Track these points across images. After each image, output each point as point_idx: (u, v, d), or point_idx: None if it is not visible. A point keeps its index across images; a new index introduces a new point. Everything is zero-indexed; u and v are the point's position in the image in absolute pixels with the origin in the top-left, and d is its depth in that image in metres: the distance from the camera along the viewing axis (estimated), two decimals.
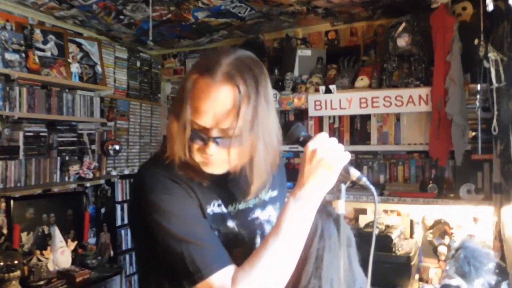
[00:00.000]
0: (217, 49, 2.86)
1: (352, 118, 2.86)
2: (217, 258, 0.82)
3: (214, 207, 0.92)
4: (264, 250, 0.81)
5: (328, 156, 0.80)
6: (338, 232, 0.85)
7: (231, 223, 0.94)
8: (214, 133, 0.81)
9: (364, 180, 0.83)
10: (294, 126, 0.89)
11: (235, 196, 0.96)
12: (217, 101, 0.79)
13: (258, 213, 1.01)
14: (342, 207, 0.85)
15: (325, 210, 0.89)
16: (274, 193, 1.07)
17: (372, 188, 0.83)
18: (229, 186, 0.94)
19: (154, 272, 0.92)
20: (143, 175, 0.89)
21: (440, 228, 2.49)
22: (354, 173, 0.83)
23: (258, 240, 1.00)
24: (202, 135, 0.81)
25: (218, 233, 0.90)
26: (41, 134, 2.82)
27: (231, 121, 0.79)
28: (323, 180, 0.81)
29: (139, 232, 0.93)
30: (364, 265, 0.92)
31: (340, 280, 0.83)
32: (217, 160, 0.84)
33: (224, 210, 0.94)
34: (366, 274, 0.90)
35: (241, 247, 0.94)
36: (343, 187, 0.85)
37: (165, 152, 0.88)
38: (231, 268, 0.82)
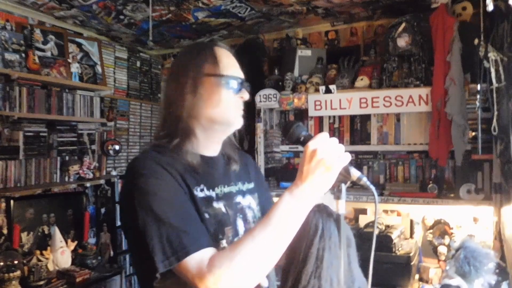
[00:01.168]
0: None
1: (352, 118, 2.86)
2: (195, 241, 0.83)
3: (199, 192, 0.95)
4: (250, 238, 0.81)
5: (328, 157, 0.81)
6: (338, 232, 0.85)
7: (218, 204, 0.98)
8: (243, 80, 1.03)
9: (365, 181, 0.84)
10: (295, 126, 0.90)
11: (219, 180, 1.03)
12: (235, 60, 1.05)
13: (240, 199, 1.06)
14: (342, 207, 0.85)
15: (326, 210, 0.89)
16: (251, 185, 1.13)
17: (373, 188, 0.83)
18: (213, 171, 1.03)
19: (142, 261, 0.91)
20: (134, 162, 0.95)
21: (440, 228, 2.49)
22: (355, 173, 0.83)
23: (239, 222, 1.03)
24: (241, 82, 1.02)
25: (208, 216, 0.93)
26: (41, 134, 2.82)
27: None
28: (321, 181, 0.81)
29: (125, 218, 0.94)
30: (363, 265, 0.91)
31: (340, 281, 0.83)
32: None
33: (209, 193, 0.98)
34: (366, 274, 0.90)
35: (230, 226, 0.98)
36: (344, 187, 0.85)
37: (158, 140, 1.00)
38: (209, 251, 0.82)
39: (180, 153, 0.97)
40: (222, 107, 0.98)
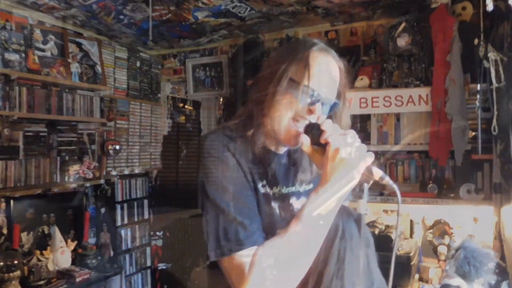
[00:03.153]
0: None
1: (352, 118, 2.85)
2: (250, 236, 0.83)
3: (261, 187, 0.95)
4: (283, 239, 0.82)
5: (350, 156, 0.81)
6: (359, 232, 0.85)
7: (274, 204, 0.97)
8: (323, 96, 0.92)
9: (387, 180, 0.84)
10: (316, 128, 0.89)
11: (279, 179, 1.00)
12: (330, 71, 0.95)
13: (293, 201, 1.03)
14: (364, 207, 0.84)
15: (345, 210, 0.88)
16: (310, 186, 1.09)
17: (396, 187, 0.83)
18: (277, 169, 0.99)
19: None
20: (206, 140, 0.94)
21: (440, 228, 2.49)
22: (377, 172, 0.83)
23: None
24: (312, 95, 0.91)
25: (264, 214, 0.92)
26: (41, 134, 2.82)
27: (332, 94, 0.95)
28: (345, 179, 0.82)
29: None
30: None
31: (360, 281, 0.83)
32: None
33: (268, 190, 0.96)
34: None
35: (283, 229, 0.95)
36: (366, 186, 0.84)
37: (232, 122, 0.98)
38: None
39: (250, 142, 0.94)
40: (278, 111, 0.91)
